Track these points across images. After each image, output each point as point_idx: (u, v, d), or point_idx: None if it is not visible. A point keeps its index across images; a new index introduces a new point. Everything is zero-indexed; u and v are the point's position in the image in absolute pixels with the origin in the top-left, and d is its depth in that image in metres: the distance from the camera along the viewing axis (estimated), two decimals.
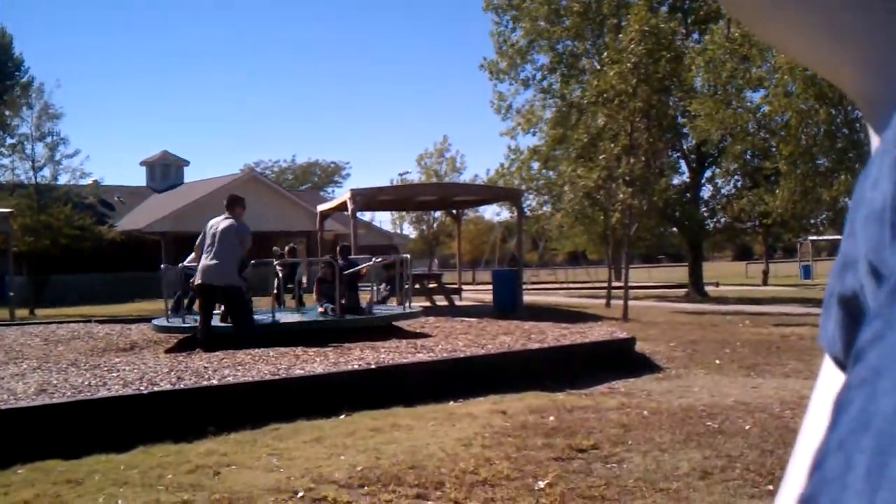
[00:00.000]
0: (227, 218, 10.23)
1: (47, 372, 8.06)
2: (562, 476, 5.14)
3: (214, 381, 7.24)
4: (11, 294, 20.68)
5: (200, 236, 10.28)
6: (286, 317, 12.15)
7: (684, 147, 27.89)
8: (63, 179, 29.82)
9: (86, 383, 7.17)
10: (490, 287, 23.02)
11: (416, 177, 57.43)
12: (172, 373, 7.63)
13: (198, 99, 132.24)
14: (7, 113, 31.26)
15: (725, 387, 8.70)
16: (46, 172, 28.96)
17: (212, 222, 10.29)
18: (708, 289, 29.18)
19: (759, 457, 5.59)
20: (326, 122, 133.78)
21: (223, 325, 10.44)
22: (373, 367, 8.14)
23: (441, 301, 19.97)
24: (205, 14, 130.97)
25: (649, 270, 48.23)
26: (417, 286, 18.71)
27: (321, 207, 23.08)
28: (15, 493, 4.94)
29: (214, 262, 9.97)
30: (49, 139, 28.84)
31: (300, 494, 4.80)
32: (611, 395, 8.23)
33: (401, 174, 58.73)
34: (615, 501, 4.64)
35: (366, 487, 4.94)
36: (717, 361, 10.54)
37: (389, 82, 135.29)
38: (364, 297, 13.48)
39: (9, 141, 32.70)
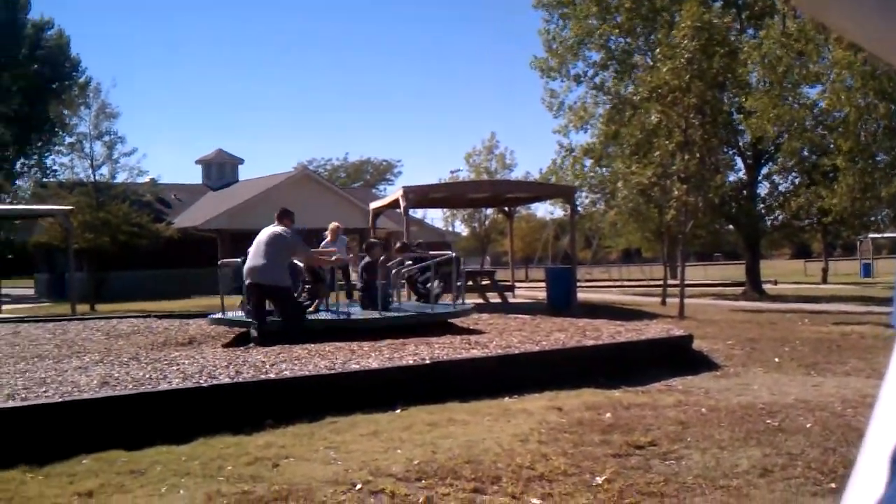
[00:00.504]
0: (277, 226, 10.68)
1: (109, 365, 8.20)
2: (620, 472, 5.11)
3: (272, 375, 7.32)
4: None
5: (255, 243, 10.60)
6: (344, 312, 12.22)
7: (740, 144, 27.46)
8: (121, 177, 30.40)
9: (147, 376, 7.28)
10: (543, 284, 22.94)
11: (465, 174, 57.42)
12: (231, 366, 7.73)
13: (252, 97, 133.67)
14: (66, 112, 31.96)
15: (785, 385, 8.57)
16: (105, 171, 29.57)
17: (264, 230, 10.75)
18: (766, 287, 28.72)
19: (820, 455, 5.50)
20: (378, 120, 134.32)
21: (275, 320, 10.55)
22: (427, 362, 8.16)
23: (494, 298, 19.94)
24: (258, 13, 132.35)
25: (705, 268, 47.60)
26: (470, 283, 18.72)
27: (373, 205, 23.19)
28: (80, 483, 5.04)
29: (262, 262, 10.28)
30: (107, 138, 29.42)
31: (358, 487, 4.83)
32: (668, 393, 8.15)
33: (451, 172, 58.71)
34: (674, 498, 4.60)
35: (423, 481, 4.96)
36: (777, 359, 10.38)
37: (440, 80, 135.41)
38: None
39: (68, 140, 33.45)
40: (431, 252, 15.78)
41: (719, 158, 23.57)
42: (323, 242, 14.38)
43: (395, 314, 11.74)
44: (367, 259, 12.86)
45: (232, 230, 33.49)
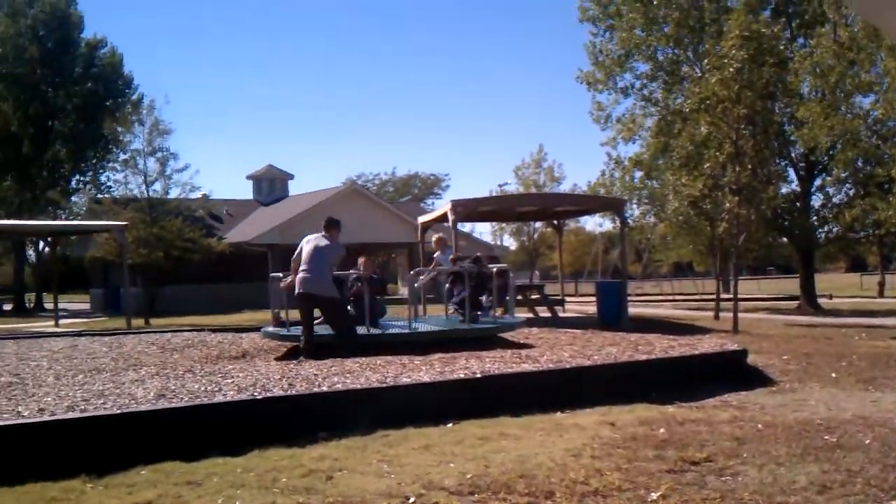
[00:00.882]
0: (323, 236, 10.65)
1: (165, 378, 8.32)
2: (675, 488, 5.05)
3: (325, 388, 7.37)
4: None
5: (297, 251, 10.59)
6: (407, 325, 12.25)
7: (792, 155, 27.07)
8: (174, 193, 30.82)
9: (202, 389, 7.38)
10: (593, 298, 22.80)
11: (514, 188, 57.37)
12: (284, 379, 7.80)
13: (301, 113, 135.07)
14: (119, 129, 32.53)
15: (843, 401, 8.42)
16: (158, 186, 30.00)
17: (308, 238, 10.68)
18: (821, 301, 28.23)
19: (880, 472, 5.39)
20: (426, 134, 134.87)
21: (325, 333, 10.61)
22: (479, 376, 8.15)
23: (543, 312, 19.86)
24: (306, 30, 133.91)
25: (758, 282, 46.91)
26: (519, 297, 18.66)
27: (422, 219, 23.23)
28: (138, 493, 5.13)
29: (310, 273, 10.33)
30: (160, 154, 29.84)
31: (411, 500, 4.84)
32: (723, 408, 8.05)
33: (499, 185, 58.66)
34: None
35: (476, 495, 4.95)
36: (833, 375, 10.20)
37: (487, 93, 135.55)
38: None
39: (122, 156, 34.06)
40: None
41: (771, 170, 23.26)
42: (435, 255, 14.60)
43: (446, 328, 11.75)
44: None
45: (282, 245, 33.80)
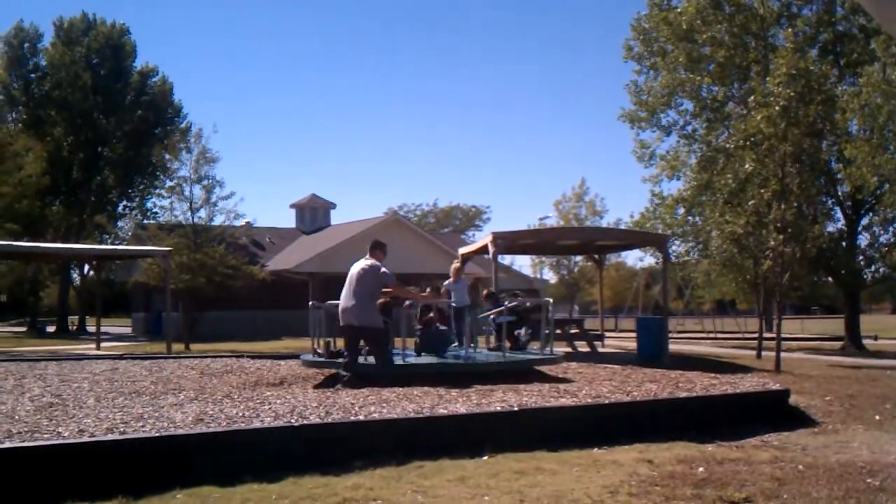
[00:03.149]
0: (368, 260, 10.66)
1: (203, 403, 8.38)
2: None
3: (361, 417, 7.37)
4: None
5: (348, 280, 10.63)
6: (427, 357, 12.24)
7: (839, 193, 26.74)
8: (218, 220, 31.10)
9: (240, 414, 7.41)
10: (633, 334, 22.57)
11: (554, 221, 57.25)
12: (321, 407, 7.81)
13: (345, 144, 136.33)
14: (167, 157, 33.05)
15: (887, 444, 8.24)
16: (203, 213, 30.30)
17: (355, 265, 10.73)
18: (866, 342, 27.69)
19: None
20: (468, 166, 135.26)
21: (365, 363, 10.62)
22: (515, 409, 8.10)
23: (583, 347, 19.71)
24: (351, 61, 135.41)
25: (802, 322, 46.13)
26: (559, 331, 18.55)
27: (462, 250, 23.24)
28: None
29: (353, 303, 10.37)
30: (206, 182, 30.18)
31: None
32: (763, 449, 7.91)
33: (540, 219, 58.64)
34: None
35: None
36: (878, 417, 9.99)
37: (528, 127, 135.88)
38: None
39: (168, 183, 34.56)
40: (519, 298, 15.73)
41: (817, 208, 22.99)
42: (446, 283, 14.56)
43: (483, 360, 11.71)
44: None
45: (323, 273, 34.02)
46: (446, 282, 14.46)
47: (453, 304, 13.17)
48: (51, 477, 5.74)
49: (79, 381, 10.69)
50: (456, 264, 14.62)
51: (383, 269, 10.63)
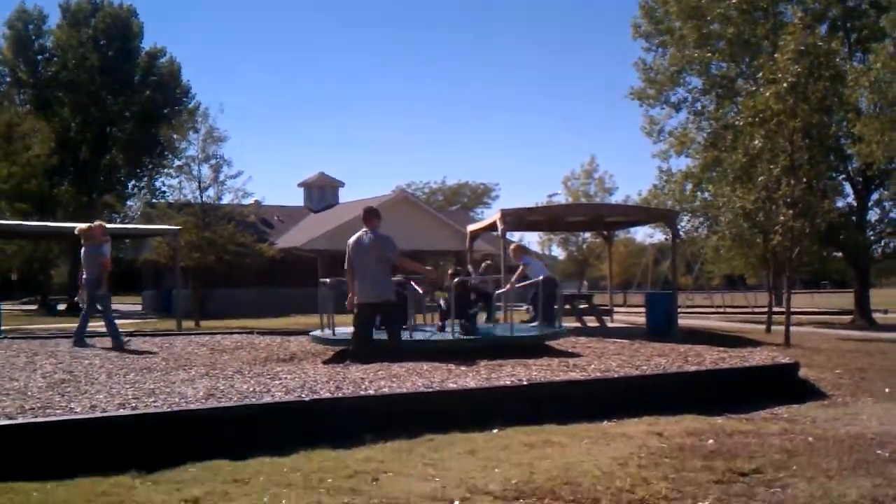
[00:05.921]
0: (366, 232, 10.51)
1: (214, 378, 8.42)
2: (722, 499, 4.99)
3: (371, 392, 7.40)
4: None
5: (347, 256, 10.53)
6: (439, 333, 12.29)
7: (849, 169, 26.61)
8: (227, 199, 31.20)
9: (250, 389, 7.45)
10: (642, 310, 22.57)
11: (562, 198, 57.13)
12: (331, 382, 7.85)
13: (353, 122, 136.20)
14: (175, 137, 33.10)
15: None
16: (211, 192, 30.38)
17: (352, 240, 10.59)
18: (875, 316, 27.66)
19: None
20: (476, 144, 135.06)
21: (376, 339, 10.63)
22: (525, 383, 8.12)
23: (592, 322, 19.73)
24: (358, 40, 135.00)
25: (812, 296, 46.04)
26: (567, 307, 18.56)
27: (471, 227, 23.22)
28: (186, 490, 5.18)
29: (369, 279, 10.29)
30: (214, 161, 30.24)
31: (455, 503, 4.83)
32: (773, 421, 7.92)
33: (549, 195, 58.53)
34: None
35: (521, 500, 4.93)
36: (887, 390, 9.99)
37: (537, 104, 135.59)
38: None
39: (177, 163, 34.65)
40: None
41: (827, 183, 22.87)
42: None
43: (492, 335, 11.72)
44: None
45: (331, 251, 34.05)
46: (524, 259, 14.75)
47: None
48: (64, 452, 5.79)
49: (90, 358, 10.74)
50: (514, 244, 15.03)
51: (386, 239, 10.47)
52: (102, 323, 13.15)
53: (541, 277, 13.35)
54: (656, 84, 28.34)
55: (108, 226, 15.87)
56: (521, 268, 14.51)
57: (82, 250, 12.89)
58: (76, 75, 47.62)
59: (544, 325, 12.69)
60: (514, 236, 43.58)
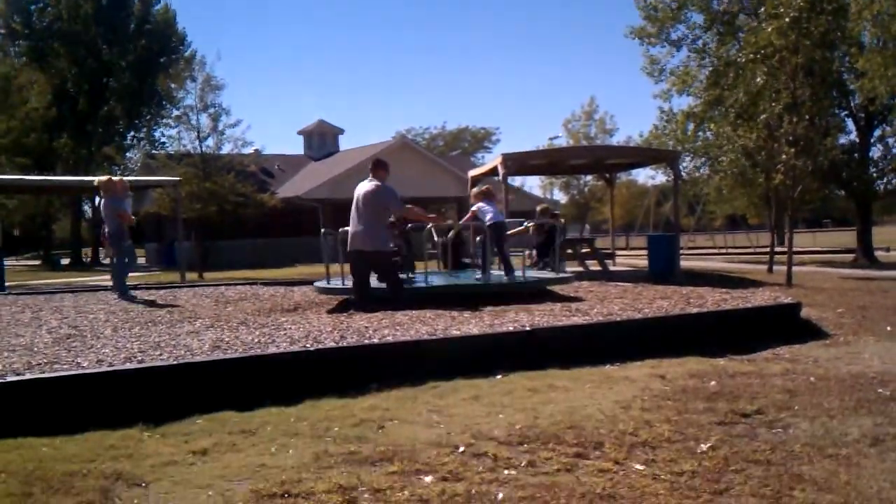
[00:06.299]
0: (371, 181, 10.55)
1: (220, 330, 8.47)
2: (725, 440, 5.03)
3: (375, 340, 7.44)
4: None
5: (353, 204, 10.58)
6: (444, 279, 12.33)
7: (851, 105, 26.43)
8: (226, 149, 31.12)
9: (256, 340, 7.50)
10: (644, 252, 22.59)
11: (563, 141, 56.89)
12: (336, 331, 7.89)
13: (351, 68, 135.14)
14: (173, 86, 32.88)
15: None
16: (210, 142, 30.30)
17: (359, 187, 10.65)
18: (878, 254, 27.70)
19: None
20: (476, 88, 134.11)
21: (376, 287, 10.68)
22: (528, 329, 8.16)
23: (594, 266, 19.75)
24: None
25: (814, 235, 46.07)
26: (570, 251, 18.57)
27: (472, 173, 23.14)
28: (194, 442, 5.24)
29: (361, 228, 10.35)
30: (212, 110, 30.11)
31: (461, 449, 4.88)
32: (775, 361, 7.97)
33: (550, 139, 58.33)
34: (781, 466, 4.51)
35: (525, 445, 4.98)
36: (889, 328, 10.02)
37: (537, 46, 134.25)
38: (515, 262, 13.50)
39: (175, 112, 34.46)
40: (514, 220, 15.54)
41: (829, 120, 22.73)
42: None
43: (495, 281, 11.74)
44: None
45: (333, 199, 34.03)
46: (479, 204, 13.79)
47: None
48: (72, 407, 5.84)
49: (95, 312, 10.78)
50: (483, 187, 13.86)
51: (388, 191, 10.49)
52: (108, 277, 13.25)
53: (488, 222, 12.45)
54: (657, 21, 27.94)
55: (92, 178, 15.91)
56: (470, 212, 13.75)
57: (101, 203, 12.98)
58: (70, 25, 47.18)
59: (491, 273, 12.28)
60: (516, 181, 43.53)
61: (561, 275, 12.64)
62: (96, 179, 13.39)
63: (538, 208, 16.40)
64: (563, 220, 15.62)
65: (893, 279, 17.93)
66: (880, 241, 32.19)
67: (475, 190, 13.05)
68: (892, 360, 7.93)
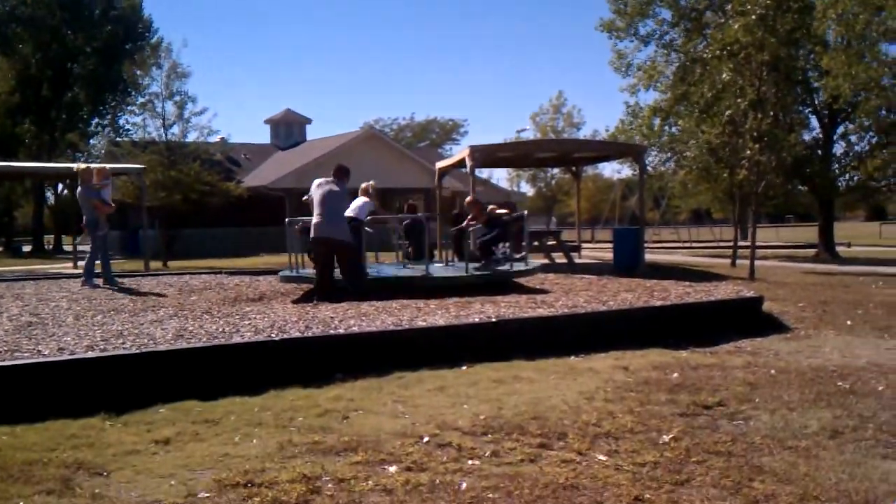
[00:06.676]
0: (333, 184, 10.75)
1: (183, 319, 8.41)
2: (687, 431, 5.09)
3: (341, 331, 7.43)
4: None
5: (308, 195, 10.71)
6: (406, 270, 12.34)
7: (815, 102, 26.72)
8: (192, 137, 30.72)
9: (220, 330, 7.46)
10: (610, 246, 22.73)
11: (531, 134, 57.02)
12: (301, 322, 7.87)
13: (320, 58, 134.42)
14: (138, 73, 32.44)
15: (857, 348, 8.42)
16: (176, 130, 29.90)
17: (318, 181, 10.90)
18: (839, 249, 28.07)
19: (892, 418, 5.43)
20: (445, 80, 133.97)
21: (338, 278, 10.68)
22: (493, 320, 8.19)
23: (560, 259, 19.85)
24: None
25: (777, 230, 46.65)
26: (536, 243, 18.64)
27: (440, 164, 23.15)
28: (157, 431, 5.21)
29: (325, 218, 10.43)
30: (178, 98, 29.69)
31: (426, 440, 4.90)
32: (737, 354, 8.07)
33: (518, 131, 58.42)
34: (742, 457, 4.57)
35: (489, 435, 5.01)
36: (849, 322, 10.18)
37: (506, 39, 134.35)
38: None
39: (140, 100, 33.98)
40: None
41: (793, 117, 22.97)
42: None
43: (461, 273, 11.77)
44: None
45: (300, 189, 33.69)
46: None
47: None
48: (32, 395, 5.77)
49: (57, 300, 10.66)
50: (365, 185, 13.20)
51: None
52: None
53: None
54: (626, 16, 28.04)
55: (72, 165, 15.73)
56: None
57: (78, 191, 12.89)
58: (35, 10, 46.43)
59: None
60: (483, 173, 43.54)
61: (527, 266, 12.70)
62: (75, 166, 13.28)
63: (466, 200, 15.69)
64: (508, 211, 15.27)
65: (854, 274, 18.19)
66: (842, 237, 32.65)
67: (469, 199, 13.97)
68: (852, 353, 8.05)
